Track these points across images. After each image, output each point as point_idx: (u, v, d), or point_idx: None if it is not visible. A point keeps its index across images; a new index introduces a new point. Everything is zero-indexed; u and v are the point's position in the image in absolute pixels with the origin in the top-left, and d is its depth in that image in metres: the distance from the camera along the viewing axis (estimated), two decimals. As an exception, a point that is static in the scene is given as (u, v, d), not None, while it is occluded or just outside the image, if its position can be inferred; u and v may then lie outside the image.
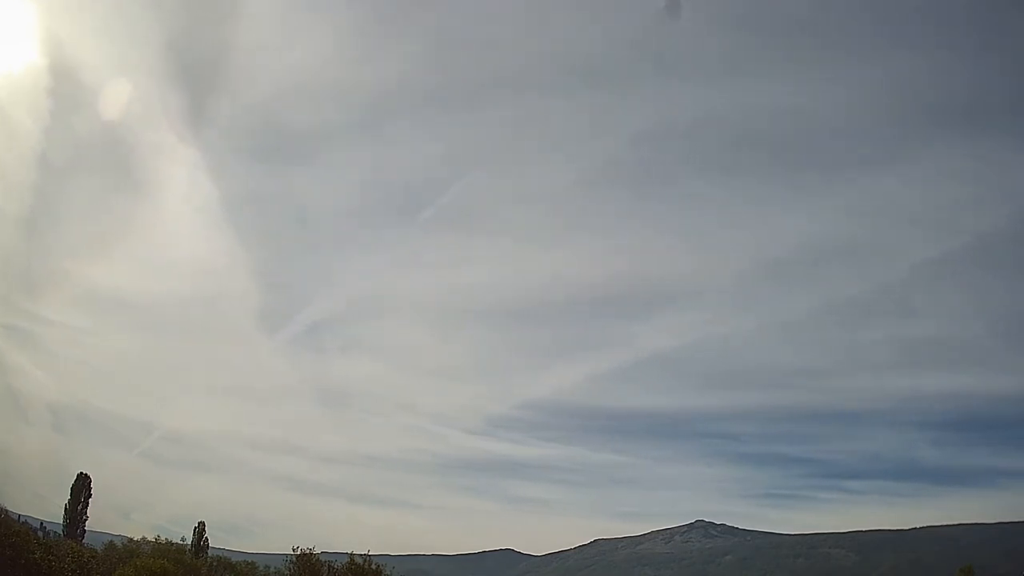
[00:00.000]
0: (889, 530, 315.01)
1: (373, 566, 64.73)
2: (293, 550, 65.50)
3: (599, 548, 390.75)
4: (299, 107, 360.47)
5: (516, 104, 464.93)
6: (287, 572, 67.42)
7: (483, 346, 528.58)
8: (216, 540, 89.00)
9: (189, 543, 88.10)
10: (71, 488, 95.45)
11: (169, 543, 79.60)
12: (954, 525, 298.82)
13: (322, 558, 66.81)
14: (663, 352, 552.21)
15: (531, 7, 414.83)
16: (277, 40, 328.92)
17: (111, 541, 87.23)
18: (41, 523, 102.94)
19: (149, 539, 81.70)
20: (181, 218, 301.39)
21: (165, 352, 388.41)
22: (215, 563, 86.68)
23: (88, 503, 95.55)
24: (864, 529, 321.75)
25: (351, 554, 65.39)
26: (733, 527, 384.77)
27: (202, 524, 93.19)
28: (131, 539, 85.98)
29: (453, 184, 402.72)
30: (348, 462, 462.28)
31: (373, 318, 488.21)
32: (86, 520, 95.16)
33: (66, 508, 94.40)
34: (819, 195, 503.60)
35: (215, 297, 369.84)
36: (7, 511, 73.07)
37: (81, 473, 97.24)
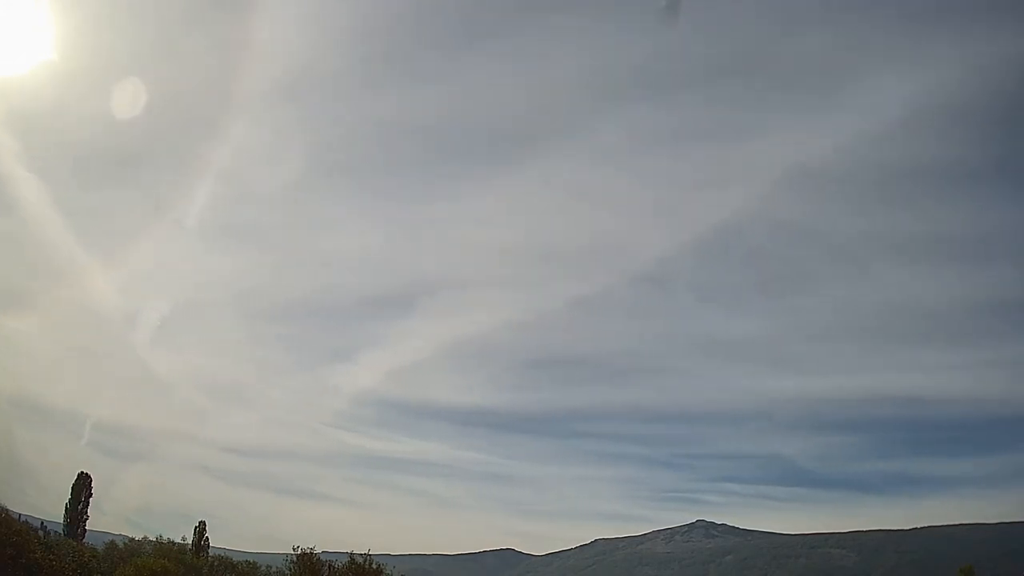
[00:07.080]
0: (890, 530, 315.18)
1: (374, 566, 64.73)
2: (294, 549, 65.62)
3: (599, 548, 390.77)
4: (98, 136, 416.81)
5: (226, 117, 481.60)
6: (288, 572, 67.44)
7: (284, 343, 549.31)
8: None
9: (190, 543, 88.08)
10: (72, 487, 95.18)
11: (170, 543, 79.76)
12: (954, 525, 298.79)
13: (322, 557, 66.87)
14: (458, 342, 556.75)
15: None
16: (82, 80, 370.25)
17: (112, 540, 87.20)
18: (42, 522, 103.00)
19: (150, 539, 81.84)
20: (44, 233, 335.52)
21: (76, 348, 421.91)
22: (216, 563, 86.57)
23: (89, 503, 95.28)
24: (865, 529, 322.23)
25: (351, 553, 65.41)
26: (734, 527, 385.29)
27: (203, 523, 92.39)
28: (132, 538, 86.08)
29: (193, 194, 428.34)
30: (241, 452, 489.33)
31: (197, 317, 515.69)
32: (87, 520, 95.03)
33: (67, 507, 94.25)
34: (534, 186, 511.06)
35: (90, 299, 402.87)
36: (8, 510, 73.05)
37: (82, 472, 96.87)
